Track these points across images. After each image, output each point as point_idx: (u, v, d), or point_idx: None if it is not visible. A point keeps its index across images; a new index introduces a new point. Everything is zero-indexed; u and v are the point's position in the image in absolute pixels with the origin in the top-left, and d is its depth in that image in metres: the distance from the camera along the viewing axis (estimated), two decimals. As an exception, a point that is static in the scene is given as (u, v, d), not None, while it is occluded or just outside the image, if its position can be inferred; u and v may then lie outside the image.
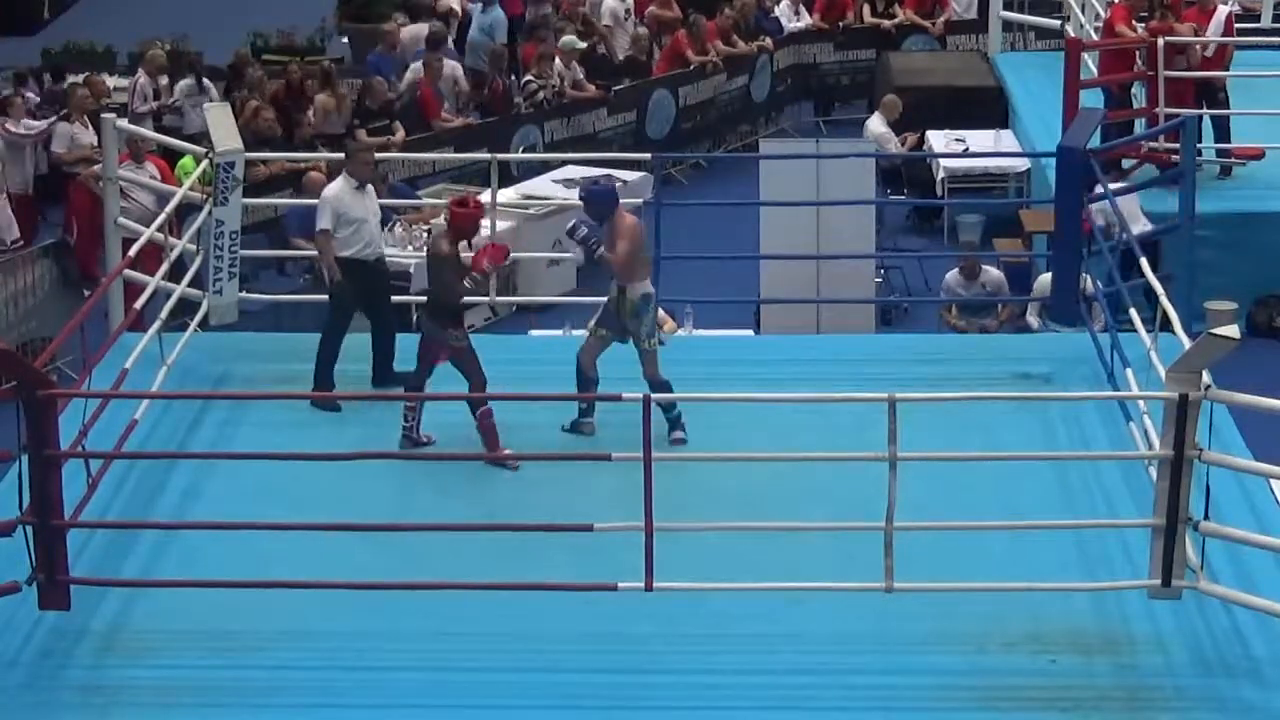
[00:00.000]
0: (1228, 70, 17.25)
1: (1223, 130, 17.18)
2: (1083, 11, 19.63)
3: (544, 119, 20.00)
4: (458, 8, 22.99)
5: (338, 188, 12.11)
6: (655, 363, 11.41)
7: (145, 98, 19.57)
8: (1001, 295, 15.58)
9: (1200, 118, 16.08)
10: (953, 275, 15.76)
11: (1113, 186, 13.61)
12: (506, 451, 10.86)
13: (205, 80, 19.79)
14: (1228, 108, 17.06)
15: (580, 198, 11.78)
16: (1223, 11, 17.41)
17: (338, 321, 12.15)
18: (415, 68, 19.82)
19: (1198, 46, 16.89)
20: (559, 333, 13.86)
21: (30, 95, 19.99)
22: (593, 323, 11.57)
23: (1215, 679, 9.03)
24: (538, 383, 11.69)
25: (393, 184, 17.89)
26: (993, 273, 15.69)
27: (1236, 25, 17.92)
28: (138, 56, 20.67)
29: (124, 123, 14.67)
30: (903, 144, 19.27)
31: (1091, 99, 16.29)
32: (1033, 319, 15.17)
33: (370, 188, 12.21)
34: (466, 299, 11.48)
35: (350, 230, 11.94)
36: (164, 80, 19.77)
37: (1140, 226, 14.87)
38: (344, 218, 11.94)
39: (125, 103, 19.50)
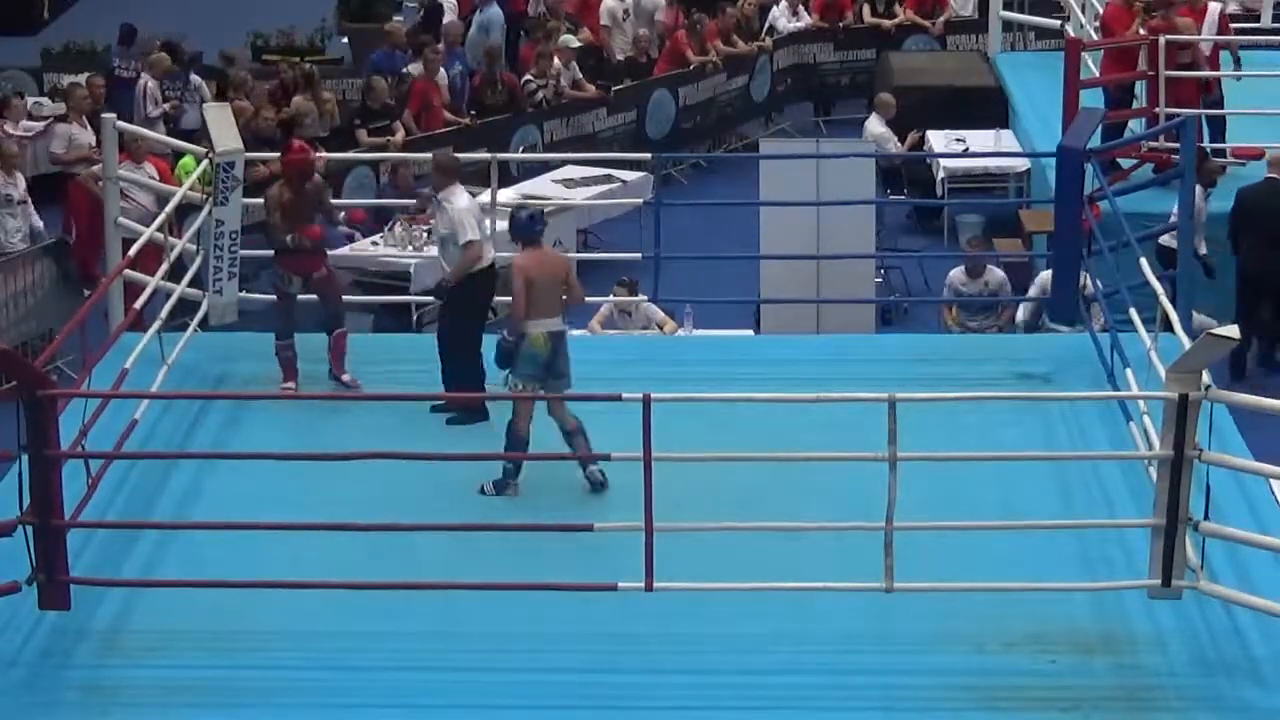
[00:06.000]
0: (1221, 68, 17.21)
1: (1218, 130, 17.16)
2: (1083, 11, 19.62)
3: (544, 119, 19.99)
4: (455, 16, 22.93)
5: None
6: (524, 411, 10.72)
7: (156, 101, 19.52)
8: (1003, 295, 15.57)
9: (1199, 117, 16.05)
10: (957, 273, 15.73)
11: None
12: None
13: (199, 79, 19.78)
14: (1222, 106, 17.04)
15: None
16: (1215, 10, 17.39)
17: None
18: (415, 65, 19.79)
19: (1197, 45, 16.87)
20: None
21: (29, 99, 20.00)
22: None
23: (1215, 679, 9.03)
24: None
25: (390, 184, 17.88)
26: (997, 272, 15.66)
27: (1238, 26, 17.85)
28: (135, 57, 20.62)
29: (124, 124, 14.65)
30: (903, 142, 19.28)
31: (1091, 99, 16.27)
32: (1022, 319, 15.15)
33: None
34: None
35: None
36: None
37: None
38: None
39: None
